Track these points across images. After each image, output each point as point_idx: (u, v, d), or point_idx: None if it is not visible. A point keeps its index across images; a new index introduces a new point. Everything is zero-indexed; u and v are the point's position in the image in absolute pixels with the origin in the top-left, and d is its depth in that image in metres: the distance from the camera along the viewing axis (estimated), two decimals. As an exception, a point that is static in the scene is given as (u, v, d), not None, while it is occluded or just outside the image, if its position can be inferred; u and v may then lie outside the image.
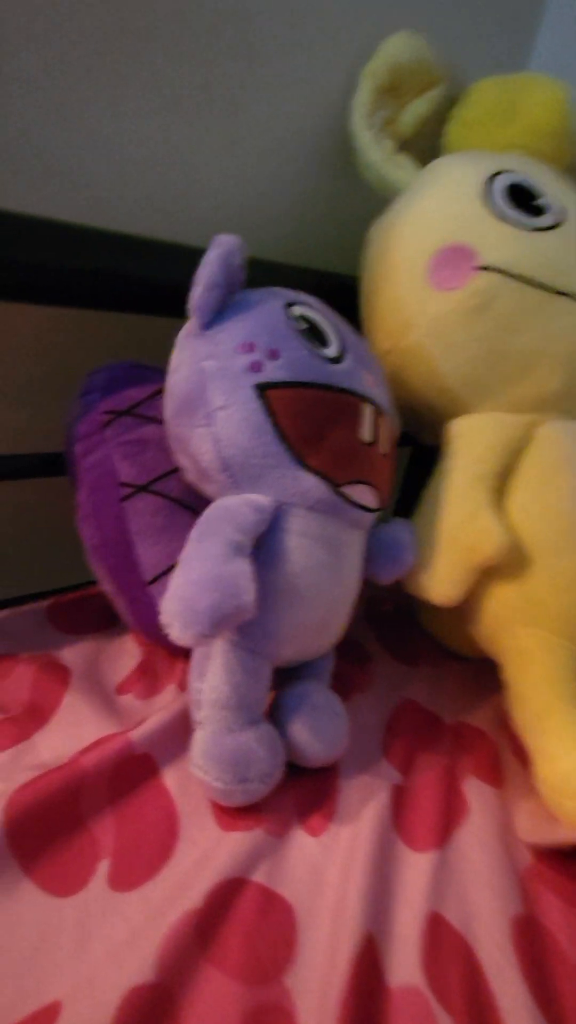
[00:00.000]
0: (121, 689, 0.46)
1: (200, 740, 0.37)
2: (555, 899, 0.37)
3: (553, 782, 0.39)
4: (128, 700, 0.45)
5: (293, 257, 0.70)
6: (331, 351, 0.41)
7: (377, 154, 0.62)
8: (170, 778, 0.39)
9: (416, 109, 0.67)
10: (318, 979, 0.30)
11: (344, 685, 0.51)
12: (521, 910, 0.36)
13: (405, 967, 0.32)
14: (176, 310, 0.43)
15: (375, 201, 0.62)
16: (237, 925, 0.31)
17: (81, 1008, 0.27)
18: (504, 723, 0.50)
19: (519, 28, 0.75)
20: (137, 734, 0.39)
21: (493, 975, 0.32)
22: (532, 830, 0.40)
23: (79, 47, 0.48)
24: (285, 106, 0.62)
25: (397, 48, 0.63)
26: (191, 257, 0.42)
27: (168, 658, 0.50)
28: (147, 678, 0.47)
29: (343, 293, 0.60)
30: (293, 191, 0.67)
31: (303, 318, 0.41)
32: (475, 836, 0.40)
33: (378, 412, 0.43)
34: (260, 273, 0.59)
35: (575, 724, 0.41)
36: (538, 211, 0.50)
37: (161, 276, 0.50)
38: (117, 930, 0.30)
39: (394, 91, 0.65)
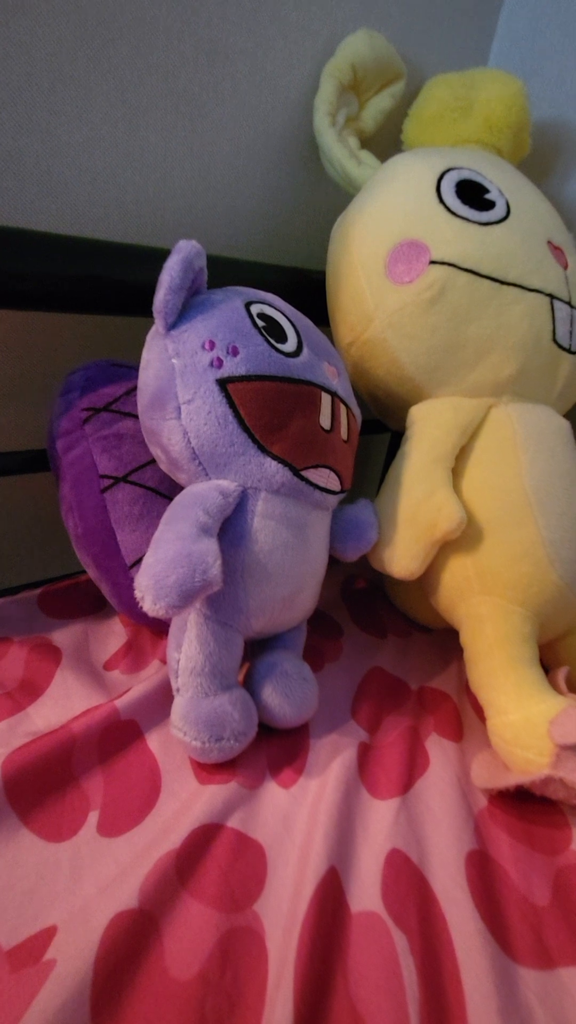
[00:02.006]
0: (108, 666, 0.50)
1: (179, 705, 0.41)
2: (505, 836, 0.41)
3: (503, 733, 0.43)
4: (115, 675, 0.49)
5: (264, 254, 0.73)
6: (289, 346, 0.44)
7: (341, 151, 0.64)
8: (153, 740, 0.42)
9: (379, 104, 0.69)
10: (285, 906, 0.34)
11: (318, 656, 0.55)
12: (474, 846, 0.40)
13: (365, 895, 0.35)
14: (149, 310, 0.46)
15: (342, 197, 0.65)
16: (213, 863, 0.35)
17: (74, 929, 0.30)
18: (465, 686, 0.55)
19: (479, 22, 0.77)
20: (122, 702, 0.43)
21: (445, 900, 0.36)
22: (486, 777, 0.44)
23: (44, 63, 0.50)
24: (250, 107, 0.64)
25: (357, 45, 0.65)
26: (162, 259, 0.44)
27: (152, 636, 0.53)
28: (132, 655, 0.51)
29: (312, 288, 0.63)
30: (262, 190, 0.70)
31: (262, 315, 0.44)
32: (434, 785, 0.44)
33: (337, 401, 0.47)
34: (231, 271, 0.62)
35: (523, 681, 0.45)
36: (488, 205, 0.53)
37: (134, 279, 0.53)
38: (106, 869, 0.34)
39: (356, 88, 0.68)
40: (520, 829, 0.41)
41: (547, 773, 0.40)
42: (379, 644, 0.60)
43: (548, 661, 0.54)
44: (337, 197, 0.66)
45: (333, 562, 0.52)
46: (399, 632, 0.63)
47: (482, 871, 0.38)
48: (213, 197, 0.66)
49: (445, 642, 0.61)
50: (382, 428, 0.77)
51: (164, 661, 0.50)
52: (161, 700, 0.44)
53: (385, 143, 0.70)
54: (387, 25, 0.69)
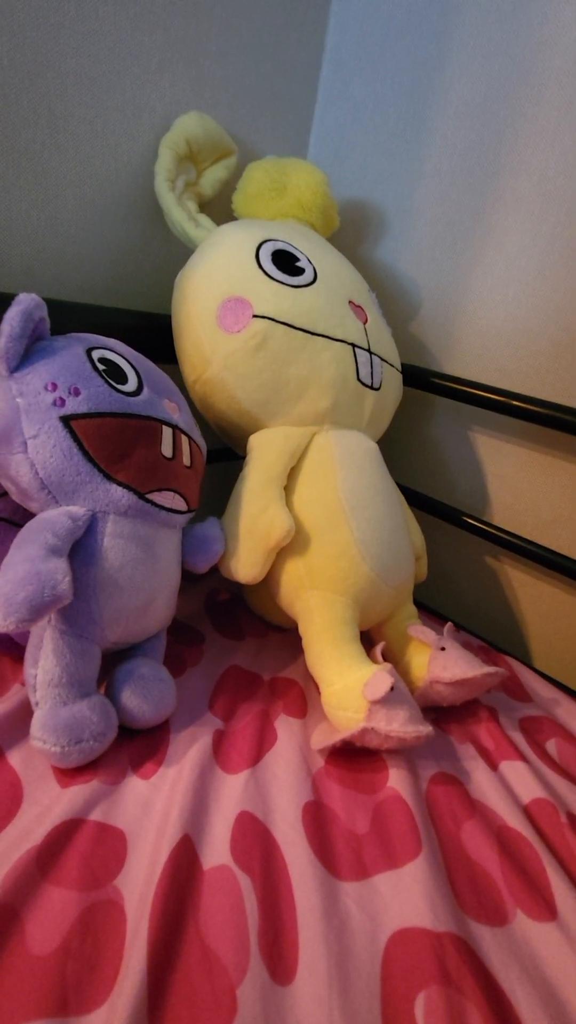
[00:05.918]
0: (-34, 695, 0.51)
1: (37, 717, 0.44)
2: (336, 786, 0.49)
3: (330, 700, 0.52)
4: (-27, 703, 0.50)
5: (117, 300, 0.78)
6: (129, 386, 0.50)
7: (179, 214, 0.73)
8: (14, 757, 0.44)
9: (215, 174, 0.80)
10: (143, 875, 0.38)
11: (180, 662, 0.60)
12: (311, 798, 0.48)
13: (216, 853, 0.41)
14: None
15: (188, 249, 0.73)
16: (74, 852, 0.39)
17: None
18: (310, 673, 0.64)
19: (297, 115, 0.92)
20: (-21, 725, 0.44)
21: (284, 844, 0.43)
22: (320, 739, 0.52)
23: None
24: (93, 168, 0.71)
25: (189, 124, 0.74)
26: (5, 304, 0.48)
27: (12, 663, 0.55)
28: (-8, 682, 0.52)
29: (162, 331, 0.70)
30: (112, 241, 0.76)
31: (103, 360, 0.50)
32: (281, 755, 0.51)
33: (178, 432, 0.54)
34: (84, 315, 0.67)
35: (344, 657, 0.55)
36: (298, 271, 0.65)
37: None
38: (-34, 878, 0.36)
39: (193, 159, 0.78)
40: (349, 779, 0.50)
41: (363, 725, 0.49)
42: (237, 646, 0.67)
43: (375, 639, 0.65)
44: (184, 249, 0.74)
45: (198, 578, 0.58)
46: (256, 634, 0.70)
47: (316, 816, 0.46)
48: (62, 245, 0.71)
49: (296, 639, 0.69)
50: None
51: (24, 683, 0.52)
52: (21, 719, 0.47)
53: (225, 208, 0.80)
54: (216, 109, 0.80)
